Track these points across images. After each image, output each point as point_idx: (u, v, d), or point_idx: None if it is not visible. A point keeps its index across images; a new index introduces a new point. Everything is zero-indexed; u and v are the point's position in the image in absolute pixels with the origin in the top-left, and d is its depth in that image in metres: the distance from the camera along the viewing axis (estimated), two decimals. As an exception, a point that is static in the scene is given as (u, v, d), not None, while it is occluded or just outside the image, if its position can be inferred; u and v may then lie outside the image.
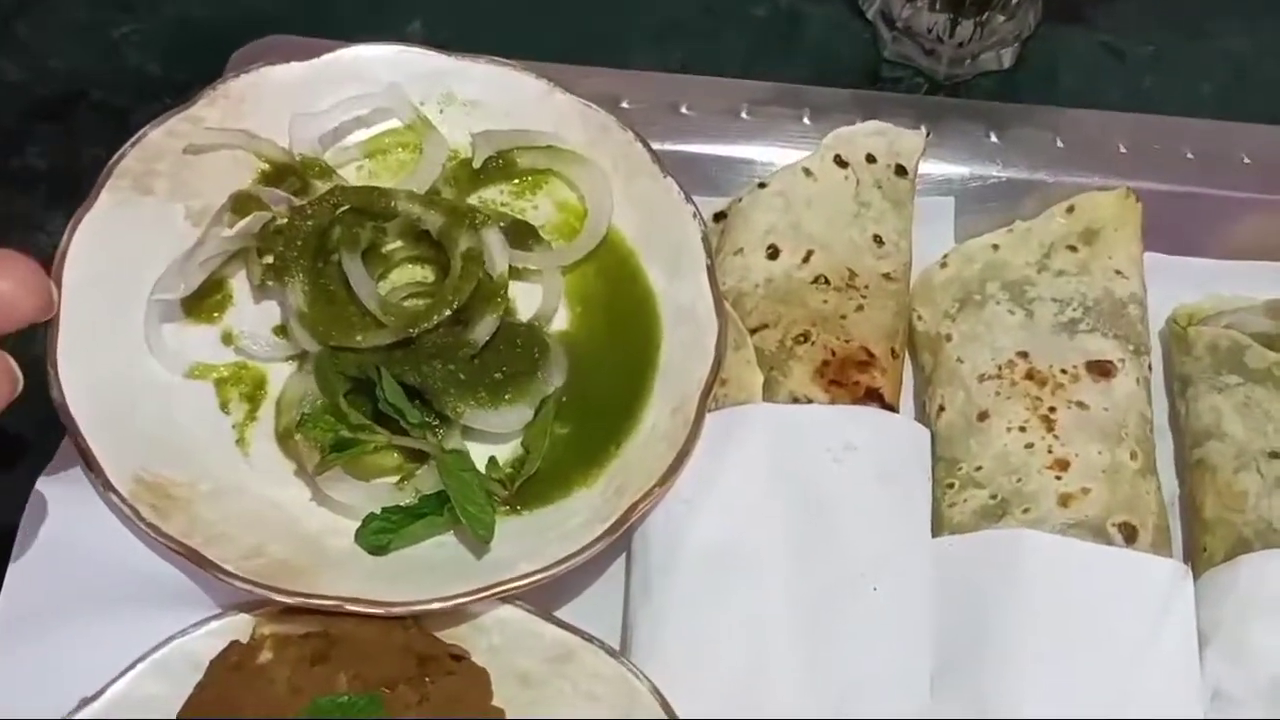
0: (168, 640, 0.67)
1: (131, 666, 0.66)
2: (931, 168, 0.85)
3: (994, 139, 0.87)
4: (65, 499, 0.69)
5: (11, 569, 0.68)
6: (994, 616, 0.70)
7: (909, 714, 0.69)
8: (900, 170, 0.83)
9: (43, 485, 0.70)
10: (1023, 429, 0.75)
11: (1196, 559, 0.75)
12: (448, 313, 0.73)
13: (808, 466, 0.72)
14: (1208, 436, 0.77)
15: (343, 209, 0.75)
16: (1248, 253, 0.86)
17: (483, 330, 0.74)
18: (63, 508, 0.69)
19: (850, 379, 0.75)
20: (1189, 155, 0.87)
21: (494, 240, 0.76)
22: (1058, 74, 1.01)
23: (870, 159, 0.82)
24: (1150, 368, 0.79)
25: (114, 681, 0.65)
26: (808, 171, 0.81)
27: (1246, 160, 0.87)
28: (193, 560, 0.66)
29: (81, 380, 0.69)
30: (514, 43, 0.88)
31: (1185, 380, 0.80)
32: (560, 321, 0.79)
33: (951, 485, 0.75)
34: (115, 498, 0.67)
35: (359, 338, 0.72)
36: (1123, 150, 0.87)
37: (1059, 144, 0.87)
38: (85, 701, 0.65)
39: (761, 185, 0.81)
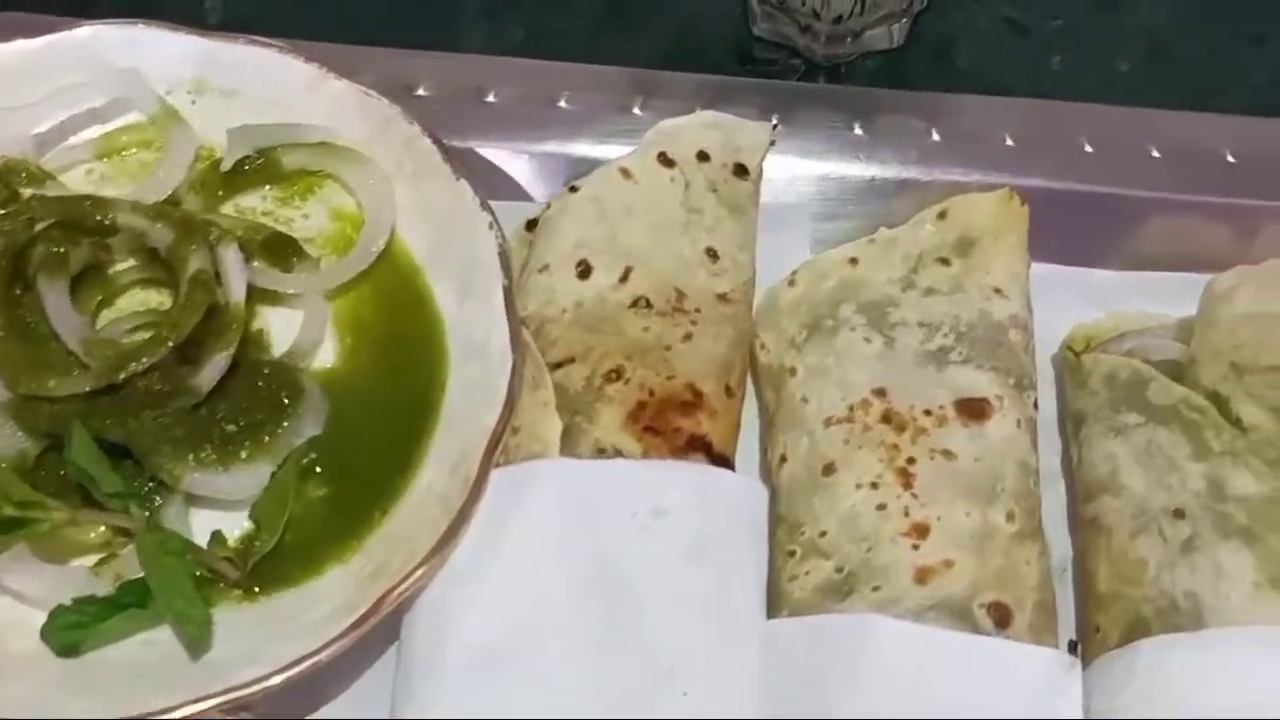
0: None
1: None
2: (782, 166, 0.72)
3: (859, 131, 0.74)
4: None
5: None
6: (836, 705, 0.57)
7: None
8: (740, 170, 0.69)
9: None
10: (874, 485, 0.62)
11: (1088, 640, 0.62)
12: (164, 351, 0.59)
13: (609, 537, 0.59)
14: (1102, 490, 0.64)
15: (45, 224, 0.61)
16: (1156, 262, 0.73)
17: (210, 372, 0.60)
18: None
19: (670, 425, 0.62)
20: (1087, 148, 0.74)
21: (230, 260, 0.62)
22: (953, 54, 0.89)
23: (703, 157, 0.69)
24: (1036, 405, 0.66)
25: None
26: (626, 173, 0.68)
27: (1155, 154, 0.74)
28: None
29: None
30: (328, 24, 0.75)
31: (1079, 419, 0.67)
32: (325, 357, 0.66)
33: (793, 553, 0.62)
34: None
35: (52, 383, 0.58)
36: (1009, 143, 0.74)
37: (934, 136, 0.74)
38: None
39: (572, 189, 0.68)
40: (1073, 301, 0.71)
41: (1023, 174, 0.72)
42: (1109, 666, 0.60)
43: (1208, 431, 0.63)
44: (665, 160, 0.68)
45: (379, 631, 0.58)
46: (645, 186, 0.68)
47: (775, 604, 0.62)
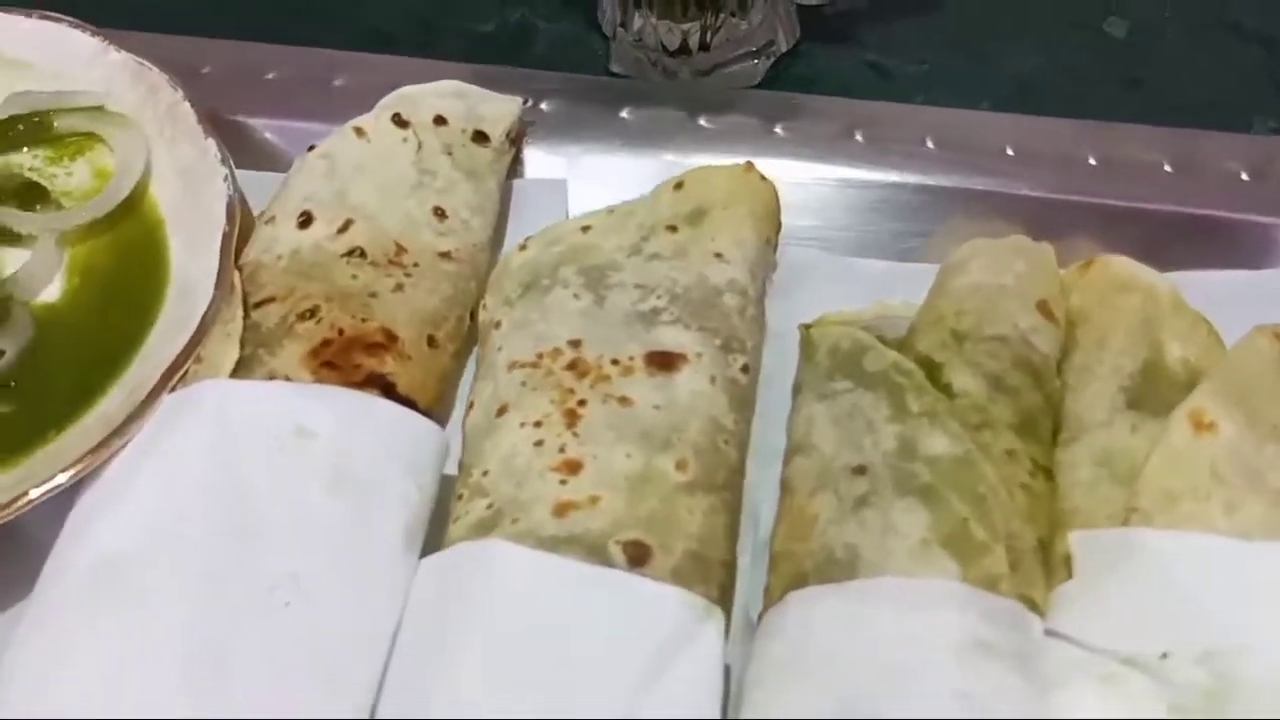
0: None
1: None
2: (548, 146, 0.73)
3: (625, 116, 0.74)
4: None
5: None
6: (449, 639, 0.54)
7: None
8: (480, 137, 0.71)
9: None
10: (538, 424, 0.60)
11: (766, 605, 0.58)
12: None
13: (248, 455, 0.59)
14: (796, 452, 0.61)
15: None
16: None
17: (-93, 280, 0.63)
18: None
19: (351, 362, 0.62)
20: (858, 138, 0.72)
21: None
22: (815, 93, 0.88)
23: (440, 121, 0.70)
24: (747, 369, 0.64)
25: None
26: (360, 131, 0.70)
27: (931, 145, 0.72)
28: None
29: None
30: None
31: (796, 390, 0.64)
32: (51, 294, 0.68)
33: (461, 496, 0.61)
34: None
35: None
36: (778, 131, 0.73)
37: (701, 122, 0.73)
38: None
39: (311, 148, 0.70)
40: (845, 291, 0.69)
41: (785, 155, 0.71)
42: (766, 622, 0.56)
43: (909, 394, 0.60)
44: (399, 121, 0.69)
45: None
46: (377, 146, 0.69)
47: (444, 546, 0.60)
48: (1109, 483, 0.58)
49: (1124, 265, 0.64)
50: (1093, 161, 0.72)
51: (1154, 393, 0.60)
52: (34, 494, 0.58)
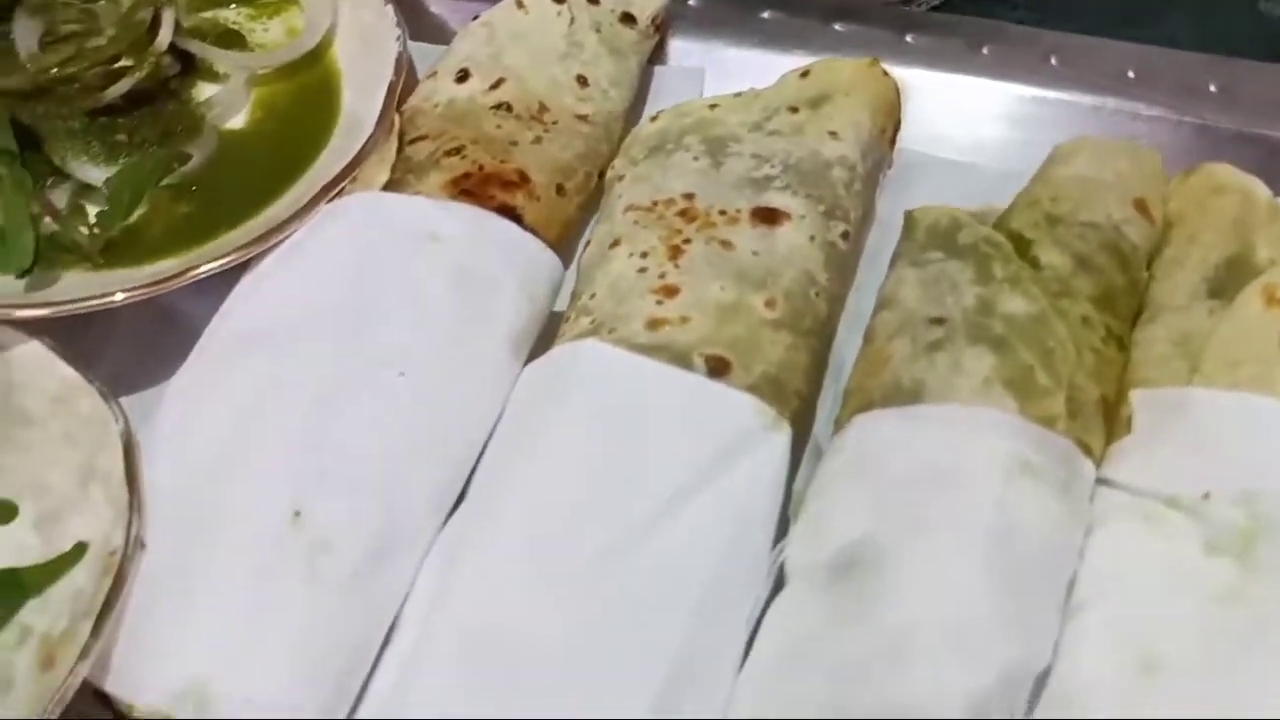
0: None
1: None
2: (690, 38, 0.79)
3: (765, 16, 0.80)
4: None
5: None
6: (537, 420, 0.61)
7: (384, 545, 0.59)
8: (628, 18, 0.77)
9: None
10: (644, 255, 0.66)
11: (835, 433, 0.62)
12: (85, 66, 0.72)
13: (383, 252, 0.66)
14: (882, 308, 0.65)
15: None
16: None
17: (116, 88, 0.72)
18: None
19: (487, 193, 0.69)
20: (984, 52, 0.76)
21: (166, 16, 0.76)
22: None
23: (593, 0, 0.77)
24: (846, 236, 0.68)
25: None
26: (520, 4, 0.77)
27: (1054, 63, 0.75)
28: None
29: None
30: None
31: (893, 260, 0.68)
32: (236, 123, 0.77)
33: (568, 319, 0.66)
34: None
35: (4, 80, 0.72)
36: (909, 40, 0.77)
37: (836, 27, 0.78)
38: None
39: (477, 19, 0.77)
40: (960, 191, 0.73)
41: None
42: (831, 445, 0.60)
43: (996, 263, 0.63)
44: (556, -2, 0.77)
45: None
46: (534, 17, 0.76)
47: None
48: (1180, 358, 0.60)
49: (1226, 170, 0.67)
50: (1213, 89, 0.74)
51: (1236, 284, 0.62)
52: (201, 270, 0.66)
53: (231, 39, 0.80)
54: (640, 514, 0.56)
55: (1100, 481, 0.57)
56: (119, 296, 0.66)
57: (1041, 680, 0.53)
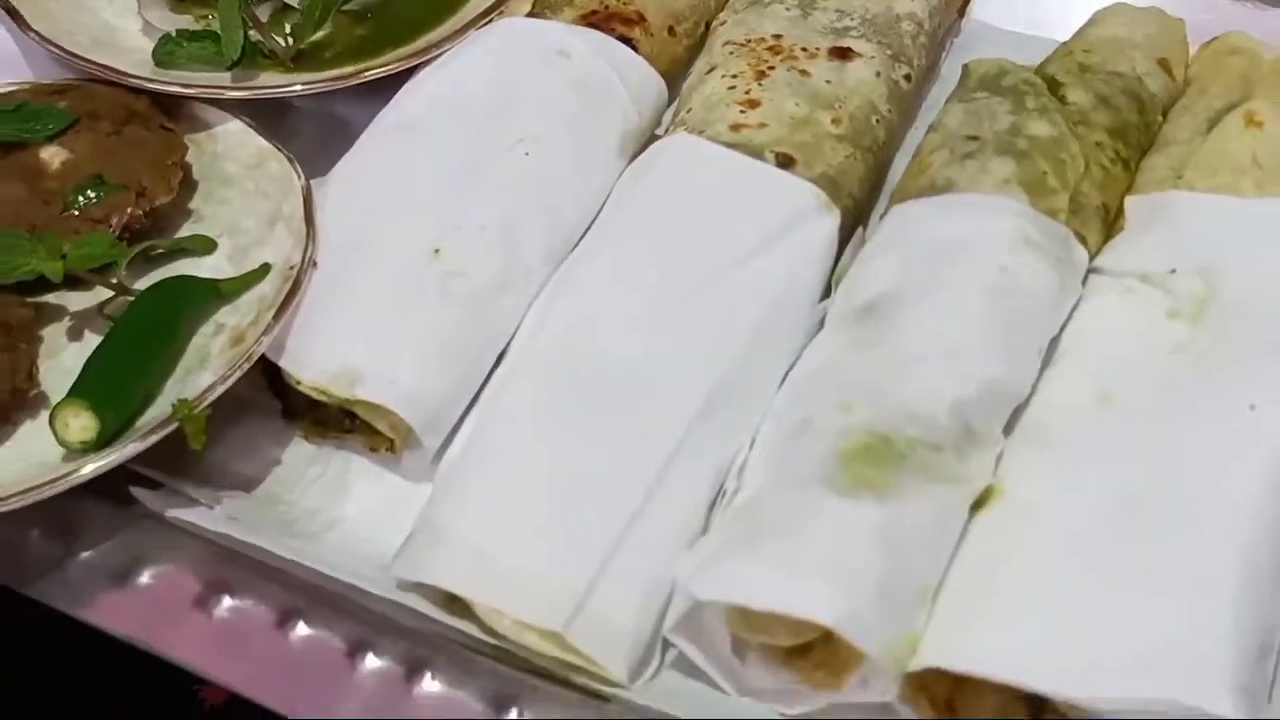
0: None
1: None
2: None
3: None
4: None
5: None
6: (613, 206, 0.75)
7: (506, 280, 0.73)
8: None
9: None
10: (735, 76, 0.79)
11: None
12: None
13: (521, 63, 0.81)
14: (929, 131, 0.78)
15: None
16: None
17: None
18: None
19: (609, 26, 0.83)
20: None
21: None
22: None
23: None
24: (909, 78, 0.81)
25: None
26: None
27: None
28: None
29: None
30: None
31: (947, 102, 0.81)
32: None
33: (668, 131, 0.80)
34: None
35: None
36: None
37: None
38: None
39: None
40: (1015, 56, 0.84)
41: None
42: (876, 226, 0.73)
43: (1029, 97, 0.76)
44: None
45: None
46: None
47: (644, 157, 0.80)
48: (1173, 177, 0.72)
49: (1241, 36, 0.78)
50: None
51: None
52: (369, 74, 0.82)
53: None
54: (710, 266, 0.70)
55: (1091, 270, 0.70)
56: (298, 87, 0.82)
57: (1018, 413, 0.65)
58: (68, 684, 0.75)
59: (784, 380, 0.69)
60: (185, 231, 0.79)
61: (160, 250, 0.77)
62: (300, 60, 0.86)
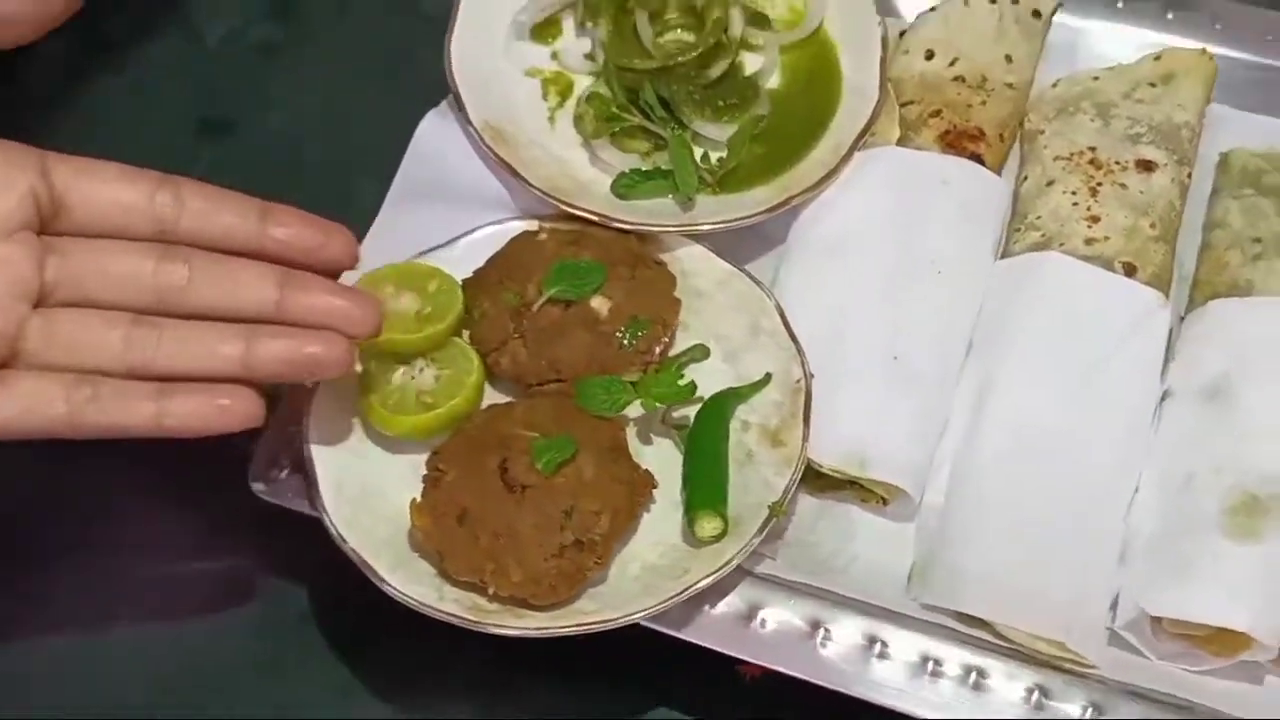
0: (488, 223, 1.11)
1: (469, 232, 1.10)
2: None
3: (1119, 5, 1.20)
4: (440, 131, 1.14)
5: (403, 164, 1.14)
6: (1012, 310, 1.06)
7: (943, 375, 1.05)
8: (1036, 14, 1.18)
9: (427, 121, 1.15)
10: (1074, 193, 1.10)
11: (1188, 309, 1.08)
12: (695, 54, 1.14)
13: (913, 191, 1.10)
14: (1215, 226, 1.11)
15: (639, -17, 1.17)
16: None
17: (716, 70, 1.15)
18: (438, 136, 1.14)
19: (962, 145, 1.12)
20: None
21: (735, 16, 1.17)
22: None
23: (1014, 1, 1.17)
24: (1190, 176, 1.12)
25: (458, 238, 1.10)
26: (966, 2, 1.17)
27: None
28: (512, 174, 1.10)
29: (463, 58, 1.14)
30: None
31: (1216, 191, 1.13)
32: (772, 81, 1.19)
33: (1018, 230, 1.12)
34: (473, 129, 1.12)
35: (636, 61, 1.15)
36: (1217, 28, 1.18)
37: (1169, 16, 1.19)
38: (433, 248, 1.10)
39: (932, 9, 1.18)
40: (1244, 136, 1.15)
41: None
42: (1193, 316, 1.07)
43: (1289, 201, 1.08)
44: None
45: (775, 229, 1.11)
46: (975, 12, 1.17)
47: (1003, 257, 1.11)
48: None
49: None
50: None
51: None
52: (796, 200, 1.10)
53: (758, 19, 1.20)
54: (1096, 360, 1.03)
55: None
56: (749, 216, 1.10)
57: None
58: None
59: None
60: (679, 341, 1.09)
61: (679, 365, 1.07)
62: (723, 183, 1.14)
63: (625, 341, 1.04)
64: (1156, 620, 0.96)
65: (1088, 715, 0.95)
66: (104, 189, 0.83)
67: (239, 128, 1.30)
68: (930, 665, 0.97)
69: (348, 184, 1.20)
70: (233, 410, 0.82)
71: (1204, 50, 1.15)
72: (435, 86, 1.16)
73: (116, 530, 1.10)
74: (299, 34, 1.36)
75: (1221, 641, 0.96)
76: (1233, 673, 0.96)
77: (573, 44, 1.20)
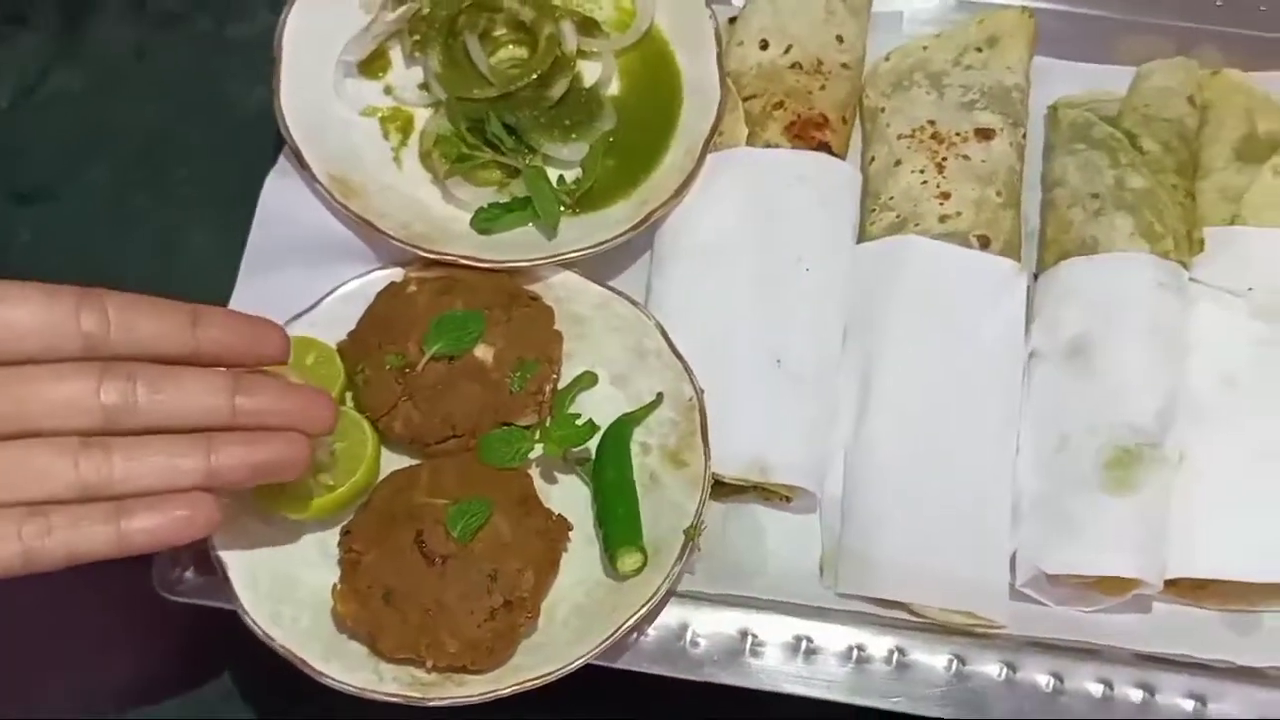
0: (351, 279, 1.09)
1: (332, 291, 1.08)
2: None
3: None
4: (285, 190, 1.11)
5: (253, 231, 1.11)
6: (880, 294, 1.11)
7: (825, 367, 1.10)
8: (863, -9, 1.21)
9: (270, 183, 1.12)
10: (922, 171, 1.14)
11: (1040, 268, 1.14)
12: (534, 76, 1.14)
13: (770, 191, 1.12)
14: (1055, 185, 1.16)
15: (467, 3, 1.15)
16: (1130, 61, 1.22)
17: (557, 89, 1.15)
18: (284, 196, 1.11)
19: (809, 135, 1.15)
20: None
21: (568, 29, 1.16)
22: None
23: (836, -15, 1.20)
24: (1025, 136, 1.17)
25: (322, 299, 1.08)
26: (789, -16, 1.19)
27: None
28: (367, 228, 1.08)
29: (296, 111, 1.11)
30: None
31: (1050, 148, 1.19)
32: (613, 89, 1.19)
33: (873, 211, 1.15)
34: (320, 186, 1.09)
35: (475, 91, 1.13)
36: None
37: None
38: (299, 314, 1.08)
39: (758, -4, 1.20)
40: (1066, 84, 1.21)
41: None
42: (1046, 277, 1.13)
43: (1120, 153, 1.14)
44: (815, -21, 1.19)
45: (641, 240, 1.12)
46: (802, -6, 1.19)
47: (860, 240, 1.14)
48: (1224, 203, 1.13)
49: (1238, 76, 1.17)
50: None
51: (1249, 151, 1.14)
52: (657, 213, 1.11)
53: (588, 24, 1.19)
54: (966, 337, 1.08)
55: (1190, 280, 1.11)
56: (614, 238, 1.10)
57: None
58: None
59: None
60: (566, 370, 1.10)
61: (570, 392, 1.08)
62: (580, 203, 1.14)
63: (515, 386, 1.05)
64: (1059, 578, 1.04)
65: (1003, 675, 1.02)
66: (24, 312, 0.77)
67: (54, 191, 1.25)
68: (855, 653, 1.03)
69: (185, 240, 1.21)
70: (194, 520, 0.80)
71: (1024, 9, 1.20)
72: (256, 115, 1.17)
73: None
74: (97, 81, 1.30)
75: (1110, 583, 1.04)
76: (1125, 607, 1.05)
77: (404, 76, 1.18)
